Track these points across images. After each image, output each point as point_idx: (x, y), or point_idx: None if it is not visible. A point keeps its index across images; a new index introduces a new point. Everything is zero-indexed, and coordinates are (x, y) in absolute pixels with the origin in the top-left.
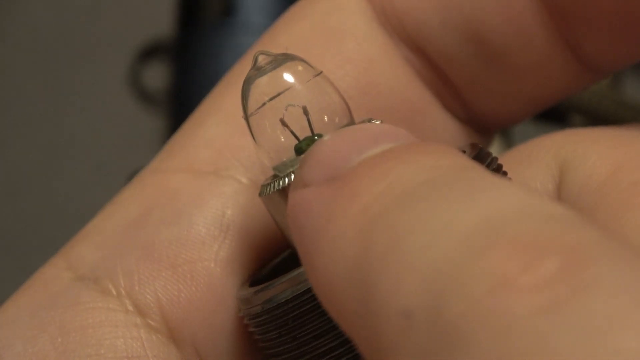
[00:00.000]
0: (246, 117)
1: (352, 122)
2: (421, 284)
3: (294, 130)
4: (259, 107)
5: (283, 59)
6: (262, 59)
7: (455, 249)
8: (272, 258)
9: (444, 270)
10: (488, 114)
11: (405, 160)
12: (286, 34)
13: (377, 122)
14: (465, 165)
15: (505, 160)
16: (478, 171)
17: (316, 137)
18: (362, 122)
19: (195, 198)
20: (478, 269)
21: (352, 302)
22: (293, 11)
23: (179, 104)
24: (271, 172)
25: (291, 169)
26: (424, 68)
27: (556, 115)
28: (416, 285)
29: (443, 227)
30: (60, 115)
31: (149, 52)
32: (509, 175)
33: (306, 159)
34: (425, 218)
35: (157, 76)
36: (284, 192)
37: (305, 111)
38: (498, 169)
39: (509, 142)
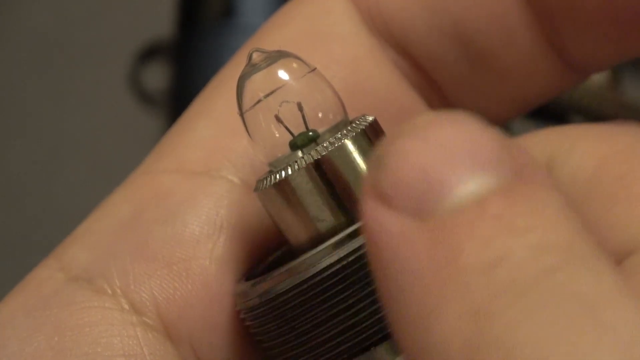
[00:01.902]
0: (241, 114)
1: (346, 118)
2: None
3: (289, 126)
4: (255, 104)
5: (277, 56)
6: (256, 56)
7: None
8: (267, 255)
9: None
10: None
11: (511, 228)
12: (274, 37)
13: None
14: (580, 248)
15: None
16: (594, 265)
17: (310, 133)
18: (367, 120)
19: (188, 198)
20: None
21: None
22: (280, 14)
23: (179, 105)
24: (264, 171)
25: (286, 164)
26: (410, 69)
27: (556, 116)
28: None
29: None
30: (60, 116)
31: (149, 53)
32: None
33: (384, 163)
34: (543, 346)
35: (157, 77)
36: (279, 186)
37: (300, 107)
38: None
39: None
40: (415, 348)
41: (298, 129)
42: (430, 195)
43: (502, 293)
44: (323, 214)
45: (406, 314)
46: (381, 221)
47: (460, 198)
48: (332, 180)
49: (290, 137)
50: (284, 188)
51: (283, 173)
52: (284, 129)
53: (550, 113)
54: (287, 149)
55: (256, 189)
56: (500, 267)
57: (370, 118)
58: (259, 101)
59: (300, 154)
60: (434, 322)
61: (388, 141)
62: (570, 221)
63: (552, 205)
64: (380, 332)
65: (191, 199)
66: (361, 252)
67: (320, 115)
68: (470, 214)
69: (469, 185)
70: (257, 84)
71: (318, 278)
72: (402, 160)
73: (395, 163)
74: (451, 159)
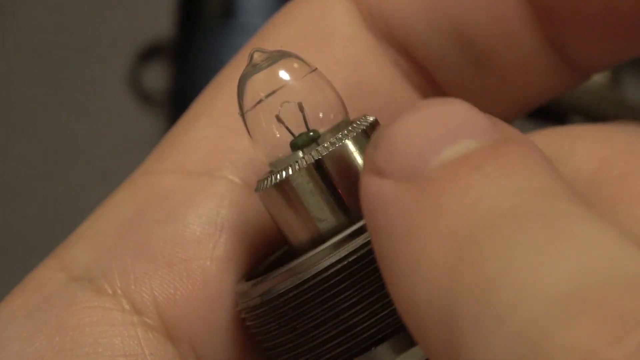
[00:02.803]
0: (242, 114)
1: (347, 119)
2: (509, 347)
3: (290, 127)
4: (256, 104)
5: (278, 56)
6: (257, 56)
7: (544, 312)
8: (268, 255)
9: (532, 337)
10: None
11: (489, 175)
12: (275, 37)
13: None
14: (554, 190)
15: None
16: (567, 201)
17: (311, 133)
18: (368, 121)
19: (189, 198)
20: (566, 341)
21: (436, 328)
22: (281, 15)
23: (179, 105)
24: (264, 171)
25: (287, 164)
26: (411, 70)
27: (556, 116)
28: (505, 347)
29: (532, 280)
30: (61, 116)
31: (149, 53)
32: None
33: (380, 142)
34: (514, 264)
35: (157, 77)
36: (280, 186)
37: (301, 107)
38: None
39: None
40: (403, 294)
41: (299, 129)
42: (419, 159)
43: (478, 228)
44: (324, 214)
45: (397, 260)
46: (375, 189)
47: (446, 157)
48: (332, 180)
49: (291, 138)
50: (284, 188)
51: (284, 173)
52: (284, 129)
53: (550, 113)
54: (288, 149)
55: (257, 189)
56: (477, 207)
57: (371, 118)
58: (259, 101)
59: (301, 154)
60: (421, 258)
61: (384, 124)
62: (546, 171)
63: (529, 160)
64: (380, 332)
65: (192, 199)
66: (361, 252)
67: (321, 115)
68: (453, 168)
69: (454, 147)
70: (258, 84)
71: (318, 278)
72: (394, 136)
73: (388, 140)
74: (439, 129)
